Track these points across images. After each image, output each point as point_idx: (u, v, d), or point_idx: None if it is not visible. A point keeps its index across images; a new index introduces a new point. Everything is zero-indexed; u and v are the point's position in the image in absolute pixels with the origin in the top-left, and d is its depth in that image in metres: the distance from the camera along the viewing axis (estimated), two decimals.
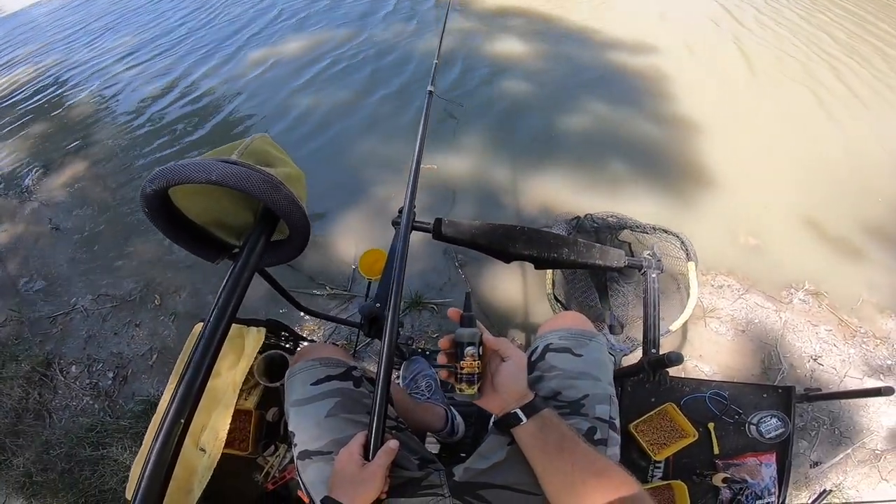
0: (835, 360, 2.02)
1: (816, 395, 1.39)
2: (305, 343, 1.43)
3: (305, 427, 0.83)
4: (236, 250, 0.83)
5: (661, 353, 1.10)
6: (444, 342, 0.76)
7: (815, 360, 2.01)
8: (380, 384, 0.72)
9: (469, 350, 0.72)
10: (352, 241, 2.44)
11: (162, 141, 3.51)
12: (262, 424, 1.38)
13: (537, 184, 2.72)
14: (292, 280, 2.28)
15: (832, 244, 2.44)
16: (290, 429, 0.86)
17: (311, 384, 0.87)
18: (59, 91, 4.66)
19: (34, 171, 3.42)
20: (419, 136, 1.15)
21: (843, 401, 1.89)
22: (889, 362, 2.03)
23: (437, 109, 3.31)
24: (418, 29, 4.48)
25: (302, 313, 1.25)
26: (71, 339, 2.33)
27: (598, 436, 0.79)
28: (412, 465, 0.81)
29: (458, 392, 0.74)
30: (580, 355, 0.87)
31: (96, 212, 2.98)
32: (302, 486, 0.82)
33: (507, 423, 0.73)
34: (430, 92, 1.33)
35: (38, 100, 4.60)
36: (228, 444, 1.29)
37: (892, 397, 1.89)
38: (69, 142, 3.72)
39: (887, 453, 1.82)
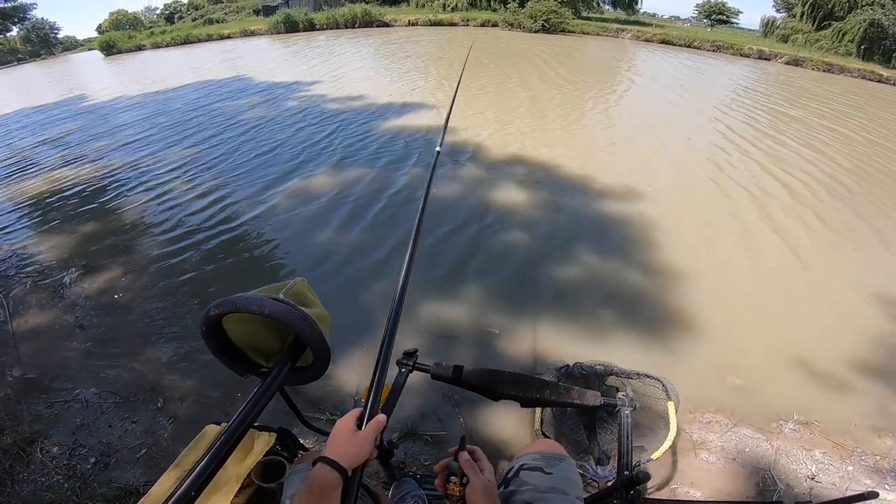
0: (834, 478, 2.01)
1: None
2: (305, 453, 1.50)
3: None
4: (264, 369, 0.98)
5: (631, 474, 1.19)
6: (438, 467, 0.91)
7: (812, 478, 2.01)
8: (380, 362, 0.88)
9: (452, 479, 0.88)
10: (355, 374, 2.54)
11: (193, 262, 3.79)
12: None
13: (531, 331, 2.87)
14: (298, 403, 2.33)
15: (818, 378, 2.54)
16: None
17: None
18: (115, 193, 5.13)
19: (74, 270, 3.67)
20: (425, 191, 1.31)
21: None
22: (893, 473, 2.03)
23: (433, 256, 3.63)
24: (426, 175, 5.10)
25: (306, 428, 1.36)
26: (62, 423, 2.35)
27: None
28: None
29: None
30: (550, 473, 1.00)
31: (120, 316, 3.14)
32: None
33: None
34: (438, 152, 1.54)
35: (97, 198, 5.04)
36: None
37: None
38: (113, 246, 4.04)
39: None
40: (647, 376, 1.96)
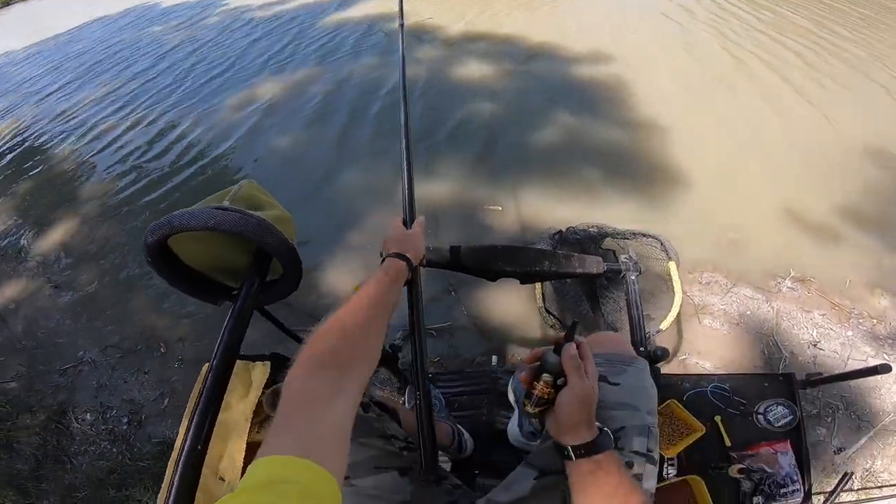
0: (835, 344, 2.03)
1: (817, 380, 1.39)
2: None
3: None
4: (235, 292, 0.89)
5: (648, 350, 1.15)
6: (530, 356, 0.76)
7: (814, 345, 2.02)
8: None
9: (545, 377, 0.70)
10: (347, 276, 2.49)
11: (149, 191, 3.58)
12: None
13: (517, 201, 2.80)
14: (293, 320, 2.30)
15: (811, 231, 2.50)
16: None
17: None
18: (39, 146, 4.74)
19: (27, 231, 3.49)
20: (401, 82, 1.27)
21: (853, 384, 1.88)
22: (890, 341, 2.05)
23: (421, 139, 3.44)
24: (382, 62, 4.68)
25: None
26: (82, 389, 2.37)
27: (634, 471, 0.75)
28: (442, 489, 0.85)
29: (523, 407, 0.74)
30: (617, 384, 0.83)
31: (93, 267, 3.03)
32: None
33: (561, 454, 0.69)
34: (401, 24, 1.45)
35: (19, 157, 4.67)
36: None
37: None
38: (58, 199, 3.79)
39: None
40: (644, 235, 1.88)
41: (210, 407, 0.65)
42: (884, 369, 1.17)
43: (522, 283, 1.27)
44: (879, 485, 1.67)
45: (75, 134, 4.78)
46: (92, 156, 4.30)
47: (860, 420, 1.82)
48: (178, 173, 3.74)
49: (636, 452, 0.77)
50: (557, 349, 0.70)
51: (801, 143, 3.10)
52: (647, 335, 1.27)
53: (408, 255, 0.86)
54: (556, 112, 3.55)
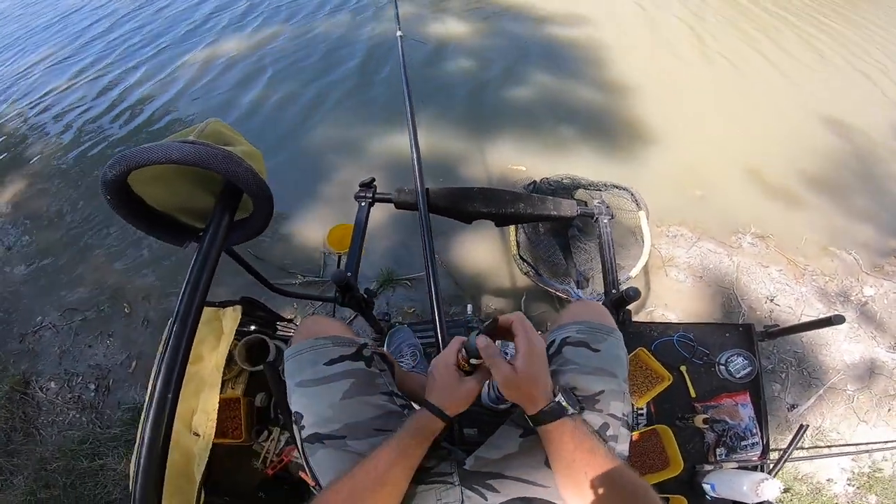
0: (790, 300, 2.16)
1: (775, 332, 1.46)
2: (283, 322, 1.45)
3: (317, 409, 0.81)
4: (202, 233, 0.86)
5: (619, 292, 1.17)
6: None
7: (771, 300, 2.14)
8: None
9: (462, 353, 0.76)
10: (317, 226, 2.45)
11: (101, 148, 3.38)
12: (253, 411, 1.40)
13: (492, 154, 2.79)
14: (264, 272, 2.27)
15: (772, 191, 2.62)
16: (294, 409, 0.83)
17: (324, 364, 0.84)
18: None
19: None
20: (404, 82, 1.23)
21: (805, 341, 2.00)
22: (841, 298, 2.19)
23: (389, 88, 3.36)
24: (355, 16, 4.45)
25: (275, 294, 1.25)
26: (44, 356, 2.26)
27: (609, 432, 0.78)
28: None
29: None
30: (597, 350, 0.85)
31: (46, 225, 2.87)
32: (308, 468, 0.80)
33: (535, 420, 0.72)
34: (400, 36, 1.41)
35: None
36: (222, 434, 1.30)
37: (852, 334, 2.03)
38: (4, 161, 3.54)
39: (859, 394, 1.93)
40: (616, 187, 1.92)
41: (179, 351, 0.61)
42: (838, 320, 1.23)
43: (497, 225, 1.27)
44: (828, 444, 1.79)
45: (11, 92, 4.42)
46: (39, 117, 3.98)
47: (811, 377, 1.96)
48: (132, 131, 3.52)
49: (613, 416, 0.80)
50: (486, 332, 0.74)
51: (768, 109, 3.20)
52: (618, 280, 1.30)
53: (447, 413, 0.73)
54: (534, 71, 3.52)
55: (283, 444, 1.40)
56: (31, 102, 4.20)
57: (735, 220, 2.44)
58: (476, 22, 4.16)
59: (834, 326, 1.26)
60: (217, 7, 5.03)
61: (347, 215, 2.36)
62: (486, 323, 0.74)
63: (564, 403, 0.71)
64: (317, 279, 2.25)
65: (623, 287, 1.16)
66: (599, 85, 3.34)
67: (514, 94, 3.30)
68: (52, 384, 2.16)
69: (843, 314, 1.25)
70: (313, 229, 2.46)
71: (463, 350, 0.75)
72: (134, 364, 2.16)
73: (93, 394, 2.10)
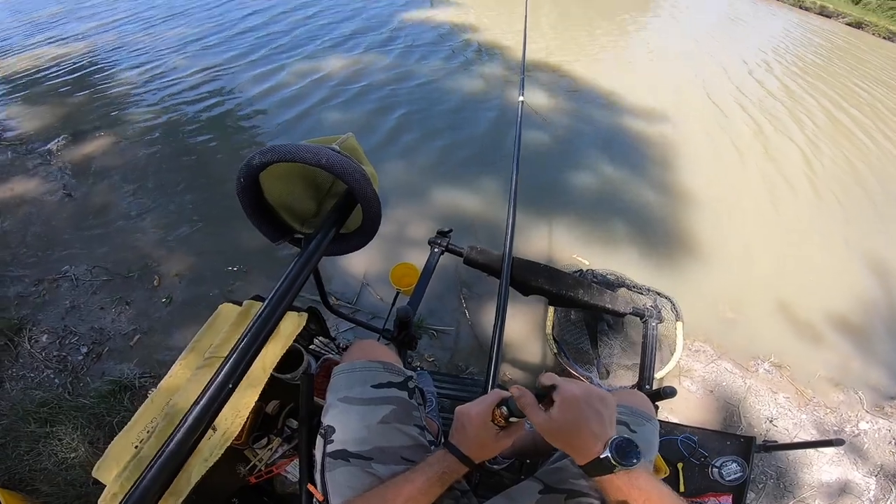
0: (788, 423, 2.18)
1: (773, 446, 1.51)
2: (325, 339, 1.44)
3: (352, 427, 0.81)
4: (298, 235, 0.89)
5: (655, 388, 1.18)
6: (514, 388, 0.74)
7: (770, 421, 2.17)
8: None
9: (503, 410, 0.73)
10: (362, 260, 2.49)
11: (184, 132, 3.56)
12: (260, 416, 1.37)
13: (543, 232, 2.88)
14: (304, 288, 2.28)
15: (799, 325, 2.66)
16: (327, 423, 0.84)
17: (371, 385, 0.86)
18: (107, 68, 4.70)
19: (61, 138, 3.41)
20: (516, 146, 1.29)
21: (790, 458, 2.04)
22: (835, 429, 2.22)
23: (452, 148, 3.52)
24: (459, 69, 4.80)
25: (326, 311, 1.27)
26: (52, 306, 2.21)
27: None
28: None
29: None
30: (634, 432, 0.86)
31: (112, 186, 2.97)
32: (321, 482, 0.80)
33: (584, 471, 0.66)
34: (521, 101, 1.49)
35: (84, 72, 4.61)
36: None
37: (836, 458, 2.06)
38: (102, 117, 3.75)
39: None
40: (659, 294, 1.96)
41: (249, 349, 0.60)
42: (837, 443, 1.27)
43: (550, 303, 1.30)
44: None
45: (140, 66, 4.74)
46: (147, 89, 4.26)
47: (786, 490, 1.96)
48: (218, 121, 3.75)
49: None
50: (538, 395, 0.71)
51: (816, 241, 3.31)
52: (653, 377, 1.31)
53: (472, 458, 0.71)
54: (602, 159, 3.68)
55: (278, 455, 1.35)
56: (145, 73, 4.51)
57: (757, 346, 2.48)
58: (565, 101, 4.43)
59: (825, 448, 1.29)
60: (360, 28, 5.57)
61: (395, 254, 2.52)
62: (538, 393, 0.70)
63: (613, 461, 0.62)
64: (349, 305, 2.28)
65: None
66: (660, 187, 3.48)
67: (579, 178, 3.44)
68: (45, 337, 2.09)
69: (842, 438, 1.31)
70: (358, 258, 2.48)
71: (504, 407, 0.72)
72: (137, 338, 2.10)
73: (80, 357, 2.02)
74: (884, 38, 15.13)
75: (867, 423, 2.26)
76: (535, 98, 4.42)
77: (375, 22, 6.08)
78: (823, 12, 16.82)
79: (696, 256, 2.93)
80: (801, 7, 17.06)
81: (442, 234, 1.25)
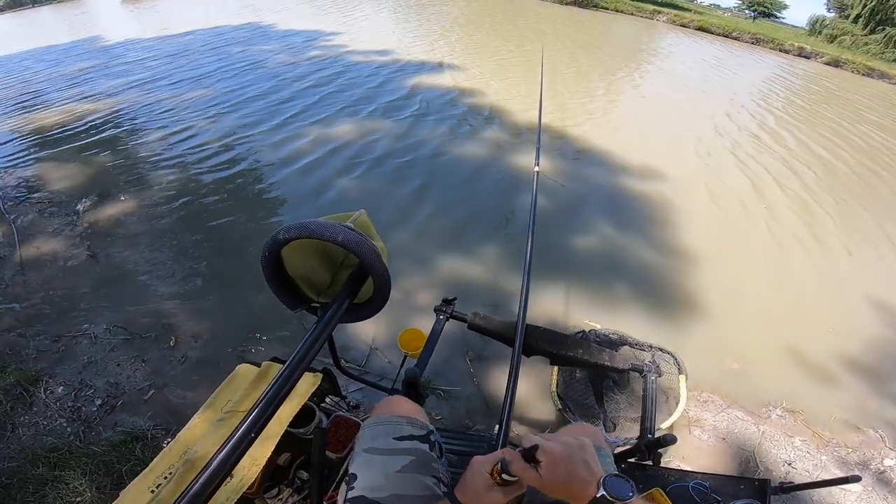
0: (808, 465, 2.14)
1: (790, 487, 1.49)
2: (336, 398, 1.50)
3: (373, 475, 0.86)
4: (314, 304, 0.97)
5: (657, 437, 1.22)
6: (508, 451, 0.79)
7: (789, 464, 2.12)
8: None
9: (498, 467, 0.77)
10: (371, 325, 2.55)
11: (208, 197, 3.77)
12: (272, 467, 1.40)
13: (545, 295, 2.92)
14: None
15: (809, 369, 2.66)
16: (351, 471, 0.90)
17: (394, 438, 0.92)
18: (133, 128, 5.07)
19: (88, 198, 3.64)
20: (531, 215, 1.38)
21: (814, 499, 1.98)
22: (859, 467, 2.17)
23: (450, 212, 3.65)
24: (468, 135, 5.04)
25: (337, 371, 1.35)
26: (70, 361, 2.30)
27: None
28: None
29: None
30: None
31: (134, 249, 3.12)
32: None
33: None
34: (537, 172, 1.57)
35: (111, 131, 4.96)
36: None
37: (865, 495, 2.02)
38: (127, 179, 3.99)
39: None
40: (661, 350, 2.01)
41: (269, 406, 0.67)
42: (854, 479, 1.26)
43: (552, 363, 1.35)
44: None
45: (166, 127, 5.11)
46: (170, 153, 4.56)
47: None
48: (237, 189, 3.96)
49: None
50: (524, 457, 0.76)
51: (822, 286, 3.35)
52: (655, 428, 1.35)
53: None
54: (601, 220, 3.78)
55: None
56: (169, 135, 4.82)
57: (767, 393, 2.47)
58: (567, 163, 4.61)
59: (849, 485, 1.26)
60: (373, 94, 5.93)
61: (403, 319, 2.61)
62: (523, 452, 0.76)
63: (610, 497, 0.66)
64: (357, 367, 2.33)
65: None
66: (660, 246, 3.55)
67: (579, 240, 3.52)
68: (60, 389, 2.16)
69: (859, 474, 1.27)
70: (367, 324, 2.53)
71: (499, 464, 0.77)
72: (151, 393, 2.16)
73: (94, 408, 2.08)
74: (863, 74, 15.67)
75: (892, 459, 2.22)
76: (525, 158, 4.57)
77: (390, 87, 6.50)
78: (802, 53, 17.57)
79: (698, 312, 2.97)
80: (780, 50, 18.02)
81: (447, 301, 1.33)
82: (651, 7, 22.05)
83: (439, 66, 7.96)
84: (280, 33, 10.49)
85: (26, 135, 5.16)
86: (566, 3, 20.57)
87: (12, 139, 5.09)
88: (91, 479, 1.75)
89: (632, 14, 21.36)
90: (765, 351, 2.73)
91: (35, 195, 3.74)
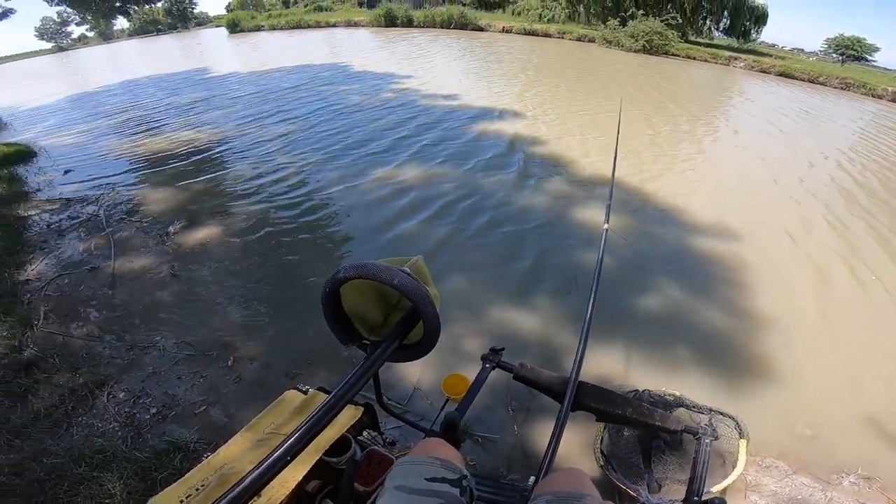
0: None
1: None
2: (373, 432, 1.52)
3: None
4: (366, 341, 1.02)
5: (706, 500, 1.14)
6: None
7: None
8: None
9: None
10: (416, 366, 2.58)
11: (288, 233, 4.04)
12: (300, 492, 1.42)
13: (602, 352, 2.81)
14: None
15: (889, 437, 2.41)
16: None
17: (425, 479, 0.91)
18: (225, 159, 5.67)
19: (179, 222, 4.05)
20: (595, 273, 1.37)
21: None
22: None
23: (513, 269, 3.64)
24: (525, 184, 5.10)
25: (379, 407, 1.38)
26: (136, 369, 2.48)
27: None
28: None
29: None
30: None
31: (215, 272, 3.39)
32: None
33: None
34: (606, 229, 1.60)
35: (206, 161, 5.55)
36: None
37: None
38: (215, 206, 4.40)
39: None
40: (721, 413, 1.88)
41: (310, 431, 0.70)
42: None
43: (598, 420, 1.32)
44: None
45: (259, 160, 5.65)
46: (254, 184, 5.01)
47: None
48: (310, 224, 4.23)
49: None
50: None
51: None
52: (703, 491, 1.28)
53: None
54: (667, 279, 3.60)
55: None
56: (263, 169, 5.32)
57: (840, 460, 2.25)
58: (624, 215, 4.45)
59: None
60: (450, 155, 6.04)
61: (449, 363, 2.62)
62: None
63: None
64: (398, 406, 2.35)
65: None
66: (729, 308, 3.32)
67: (642, 299, 3.36)
68: (122, 394, 2.31)
69: None
70: (413, 364, 2.53)
71: None
72: (203, 408, 2.26)
73: (148, 416, 2.20)
74: None
75: None
76: (594, 214, 4.44)
77: (451, 134, 6.75)
78: None
79: (766, 375, 2.75)
80: (873, 95, 16.29)
81: (494, 351, 1.34)
82: (727, 53, 20.79)
83: (532, 118, 8.02)
84: (366, 76, 11.42)
85: (137, 157, 5.93)
86: (635, 51, 20.07)
87: (126, 159, 5.87)
88: (125, 483, 1.83)
89: (705, 61, 20.24)
90: (843, 420, 2.49)
91: (135, 214, 4.20)
